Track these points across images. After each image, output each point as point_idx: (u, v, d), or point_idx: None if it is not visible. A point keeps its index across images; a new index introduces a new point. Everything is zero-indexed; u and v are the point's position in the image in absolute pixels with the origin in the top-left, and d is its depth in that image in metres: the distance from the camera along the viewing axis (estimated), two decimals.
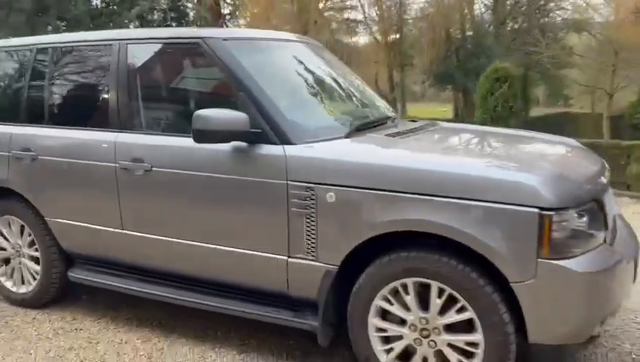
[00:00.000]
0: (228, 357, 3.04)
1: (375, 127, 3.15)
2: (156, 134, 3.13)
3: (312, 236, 2.65)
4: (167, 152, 2.99)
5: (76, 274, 3.49)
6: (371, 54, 26.29)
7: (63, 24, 22.86)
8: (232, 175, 2.80)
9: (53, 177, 3.42)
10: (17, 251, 3.72)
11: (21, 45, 3.81)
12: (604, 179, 2.74)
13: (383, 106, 3.74)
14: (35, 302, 3.69)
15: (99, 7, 23.58)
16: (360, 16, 27.02)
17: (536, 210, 2.24)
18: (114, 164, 3.14)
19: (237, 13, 23.66)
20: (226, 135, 2.69)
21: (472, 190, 2.34)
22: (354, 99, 3.52)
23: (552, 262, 2.26)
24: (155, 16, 23.43)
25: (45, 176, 3.46)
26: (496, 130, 3.91)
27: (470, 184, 2.35)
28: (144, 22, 25.77)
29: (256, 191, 2.75)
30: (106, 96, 3.29)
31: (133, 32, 3.60)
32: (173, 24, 21.43)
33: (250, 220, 2.83)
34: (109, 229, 3.24)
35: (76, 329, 3.42)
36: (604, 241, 2.47)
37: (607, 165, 2.98)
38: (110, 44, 3.29)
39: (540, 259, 2.26)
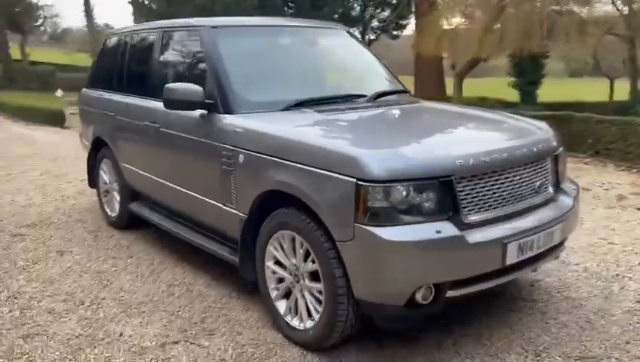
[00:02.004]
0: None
1: (331, 103, 3.53)
2: None
3: (234, 189, 3.27)
4: (168, 117, 3.85)
5: (135, 208, 4.65)
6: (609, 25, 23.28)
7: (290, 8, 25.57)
8: (194, 136, 3.56)
9: (121, 131, 4.61)
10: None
11: (120, 32, 5.07)
12: (495, 157, 2.75)
13: (386, 84, 4.07)
14: None
15: None
16: None
17: (354, 180, 2.52)
18: (143, 123, 4.15)
19: None
20: (186, 104, 3.44)
21: (310, 158, 2.72)
22: (328, 79, 3.90)
23: (366, 227, 2.51)
24: None
25: (118, 130, 4.67)
26: (449, 108, 3.93)
27: (309, 152, 2.75)
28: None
29: (204, 151, 3.46)
30: (148, 69, 4.30)
31: (166, 22, 4.45)
32: None
33: (202, 173, 3.56)
34: (141, 172, 4.31)
35: None
36: (448, 217, 2.59)
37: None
38: (154, 32, 4.29)
39: (356, 224, 2.53)
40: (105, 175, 5.12)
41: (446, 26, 13.70)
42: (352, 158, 2.58)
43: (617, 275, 3.86)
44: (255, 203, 3.13)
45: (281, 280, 3.11)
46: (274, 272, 3.14)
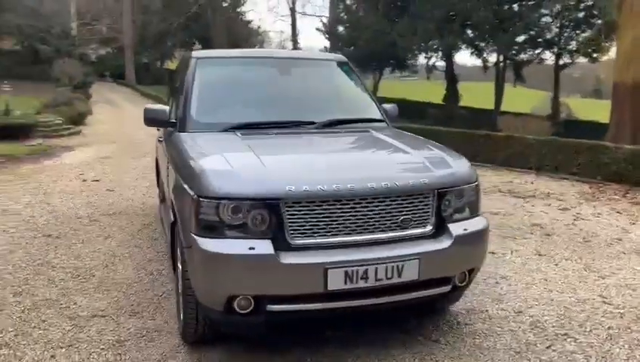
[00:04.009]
0: None
1: (273, 128, 3.87)
2: None
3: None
4: (164, 132, 4.59)
5: None
6: None
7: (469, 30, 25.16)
8: (167, 146, 4.20)
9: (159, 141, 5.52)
10: None
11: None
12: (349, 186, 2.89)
13: (354, 113, 4.31)
14: None
15: (507, 8, 24.73)
16: None
17: (194, 195, 2.91)
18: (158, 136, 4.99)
19: None
20: (157, 121, 4.14)
21: (183, 171, 3.20)
22: (288, 106, 4.18)
23: (197, 238, 2.87)
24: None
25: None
26: (384, 139, 3.81)
27: (185, 167, 3.21)
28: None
29: (169, 158, 4.07)
30: (173, 92, 5.13)
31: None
32: None
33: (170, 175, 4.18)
34: (162, 180, 5.13)
35: None
36: (272, 237, 2.81)
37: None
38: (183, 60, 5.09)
39: (192, 233, 2.92)
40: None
41: None
42: (197, 175, 2.98)
43: None
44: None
45: None
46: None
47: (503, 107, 27.64)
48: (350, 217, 2.92)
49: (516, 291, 4.21)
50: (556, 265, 4.85)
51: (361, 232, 2.95)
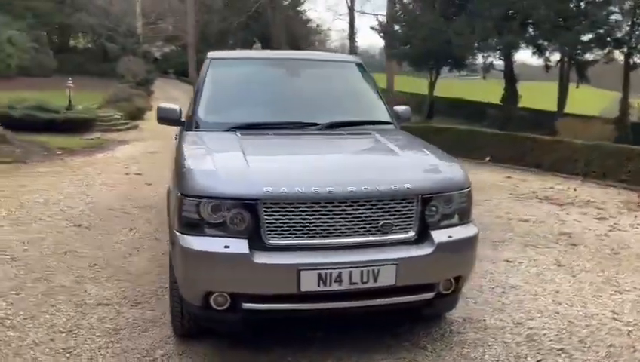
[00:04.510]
0: None
1: (275, 128, 3.93)
2: None
3: None
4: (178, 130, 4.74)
5: None
6: None
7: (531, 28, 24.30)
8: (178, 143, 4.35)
9: None
10: None
11: None
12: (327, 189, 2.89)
13: (361, 116, 4.28)
14: None
15: (571, 7, 23.74)
16: None
17: (179, 193, 3.01)
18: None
19: None
20: (168, 120, 4.28)
21: (176, 168, 3.28)
22: (295, 107, 4.21)
23: (179, 234, 2.97)
24: None
25: None
26: (382, 142, 3.76)
27: (178, 164, 3.29)
28: None
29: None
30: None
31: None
32: None
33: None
34: None
35: None
36: (249, 237, 2.86)
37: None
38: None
39: (174, 230, 3.03)
40: None
41: None
42: (182, 174, 3.08)
43: None
44: None
45: None
46: None
47: (569, 109, 26.47)
48: (328, 220, 2.94)
49: (522, 302, 4.07)
50: (574, 276, 4.65)
51: (338, 235, 2.96)
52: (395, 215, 3.04)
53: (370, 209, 2.99)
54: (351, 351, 3.28)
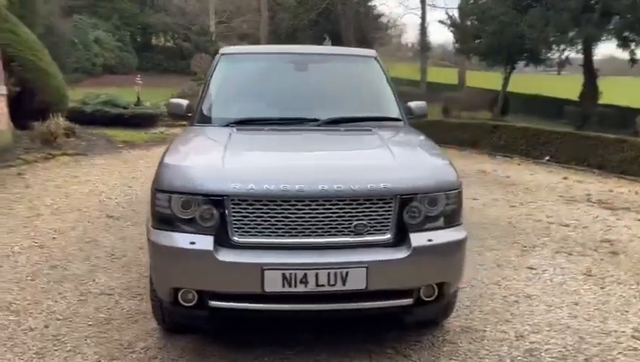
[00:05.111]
0: None
1: (274, 124, 3.87)
2: None
3: None
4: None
5: None
6: None
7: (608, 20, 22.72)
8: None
9: None
10: None
11: None
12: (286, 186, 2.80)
13: (366, 112, 4.10)
14: None
15: None
16: None
17: (153, 188, 3.02)
18: None
19: None
20: (175, 115, 4.32)
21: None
22: (297, 103, 4.12)
23: (152, 228, 2.99)
24: None
25: None
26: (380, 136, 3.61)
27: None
28: None
29: None
30: None
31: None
32: None
33: None
34: None
35: None
36: (216, 233, 2.82)
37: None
38: None
39: (149, 225, 3.04)
40: None
41: None
42: (158, 168, 3.08)
43: None
44: None
45: None
46: None
47: None
48: (297, 219, 2.83)
49: (533, 313, 3.77)
50: (602, 288, 4.26)
51: (308, 235, 2.85)
52: (370, 216, 2.88)
53: (343, 209, 2.85)
54: (331, 355, 3.17)
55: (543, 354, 3.24)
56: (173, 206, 2.89)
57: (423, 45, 38.01)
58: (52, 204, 6.58)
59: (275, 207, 2.82)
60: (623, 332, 3.53)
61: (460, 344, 3.34)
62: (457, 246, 3.01)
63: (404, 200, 2.91)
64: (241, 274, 2.80)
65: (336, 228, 2.86)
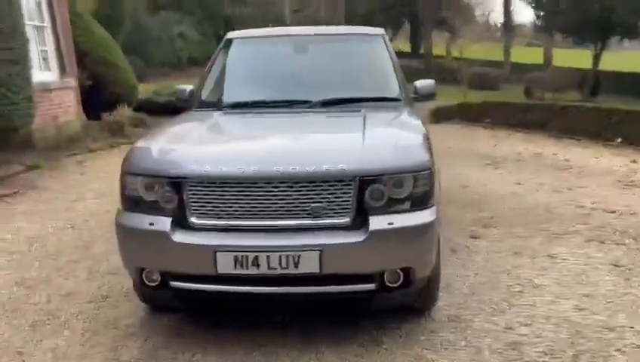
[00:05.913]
0: None
1: (265, 107, 3.87)
2: None
3: None
4: None
5: None
6: None
7: None
8: None
9: None
10: None
11: None
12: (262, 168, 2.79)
13: (368, 93, 4.00)
14: None
15: None
16: None
17: (122, 170, 3.11)
18: None
19: None
20: (180, 100, 4.41)
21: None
22: (291, 85, 4.08)
23: (121, 210, 3.09)
24: None
25: None
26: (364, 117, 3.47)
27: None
28: None
29: None
30: None
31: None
32: None
33: None
34: None
35: None
36: (175, 215, 2.86)
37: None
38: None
39: (119, 207, 3.14)
40: None
41: None
42: (128, 151, 3.16)
43: None
44: None
45: None
46: None
47: None
48: (252, 201, 2.80)
49: (534, 304, 3.50)
50: (626, 279, 3.86)
51: (263, 218, 2.81)
52: (327, 198, 2.79)
53: (300, 191, 2.78)
54: (302, 338, 3.12)
55: (527, 347, 3.00)
56: (140, 188, 2.96)
57: (507, 24, 36.16)
58: (99, 189, 6.96)
59: (230, 189, 2.81)
60: (631, 328, 3.18)
61: (441, 334, 3.16)
62: (423, 229, 2.85)
63: (365, 181, 2.79)
64: (194, 255, 2.83)
65: (293, 210, 2.80)
